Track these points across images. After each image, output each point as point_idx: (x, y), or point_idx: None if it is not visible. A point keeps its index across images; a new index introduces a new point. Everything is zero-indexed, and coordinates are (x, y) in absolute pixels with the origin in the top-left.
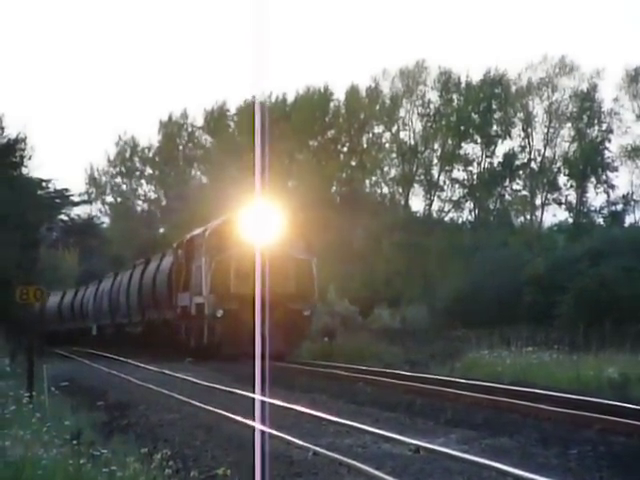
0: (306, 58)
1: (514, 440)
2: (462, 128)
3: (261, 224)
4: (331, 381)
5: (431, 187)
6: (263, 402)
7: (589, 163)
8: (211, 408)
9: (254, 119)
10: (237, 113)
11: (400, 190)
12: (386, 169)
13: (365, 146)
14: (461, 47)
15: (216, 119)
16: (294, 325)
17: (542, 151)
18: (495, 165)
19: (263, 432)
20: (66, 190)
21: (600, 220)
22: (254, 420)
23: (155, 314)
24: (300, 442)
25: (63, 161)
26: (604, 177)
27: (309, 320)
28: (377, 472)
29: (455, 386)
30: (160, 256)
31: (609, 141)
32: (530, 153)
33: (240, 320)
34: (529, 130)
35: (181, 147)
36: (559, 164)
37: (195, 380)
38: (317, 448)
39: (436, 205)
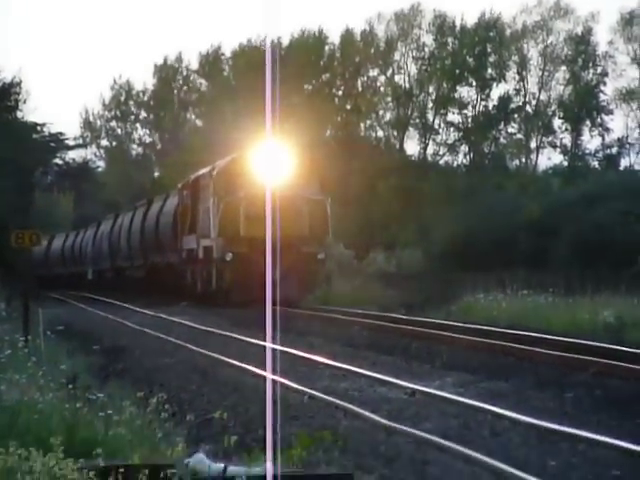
0: (300, 1)
1: (510, 383)
2: (457, 71)
3: (272, 163)
4: (327, 325)
5: (426, 130)
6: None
7: (584, 106)
8: (207, 352)
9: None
10: (232, 57)
11: (395, 134)
12: (381, 113)
13: (360, 90)
14: None
15: (211, 63)
16: (307, 269)
17: (537, 94)
18: (490, 108)
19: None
20: (61, 134)
21: (595, 163)
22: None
23: (158, 257)
24: (296, 386)
25: (58, 104)
26: (599, 120)
27: (323, 264)
28: (373, 415)
29: (451, 329)
30: (163, 197)
31: (604, 84)
32: (525, 96)
33: (250, 264)
34: (524, 73)
35: (176, 91)
36: (554, 107)
37: (193, 324)
38: (313, 392)
39: (431, 149)
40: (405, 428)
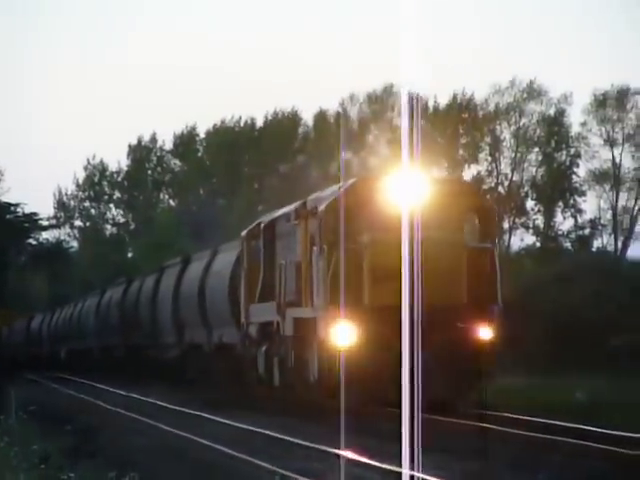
0: (274, 82)
1: (484, 464)
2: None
3: (410, 192)
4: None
5: None
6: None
7: (557, 187)
8: None
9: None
10: (206, 137)
11: None
12: None
13: (335, 172)
14: (428, 72)
15: (185, 143)
16: (467, 356)
17: (509, 175)
18: None
19: None
20: (34, 214)
21: (568, 244)
22: None
23: (201, 335)
24: None
25: (31, 185)
26: (572, 201)
27: (492, 346)
28: None
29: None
30: (209, 254)
31: (577, 165)
32: (497, 177)
33: (380, 348)
34: (496, 154)
35: (150, 171)
36: (527, 188)
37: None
38: None
39: None
40: None
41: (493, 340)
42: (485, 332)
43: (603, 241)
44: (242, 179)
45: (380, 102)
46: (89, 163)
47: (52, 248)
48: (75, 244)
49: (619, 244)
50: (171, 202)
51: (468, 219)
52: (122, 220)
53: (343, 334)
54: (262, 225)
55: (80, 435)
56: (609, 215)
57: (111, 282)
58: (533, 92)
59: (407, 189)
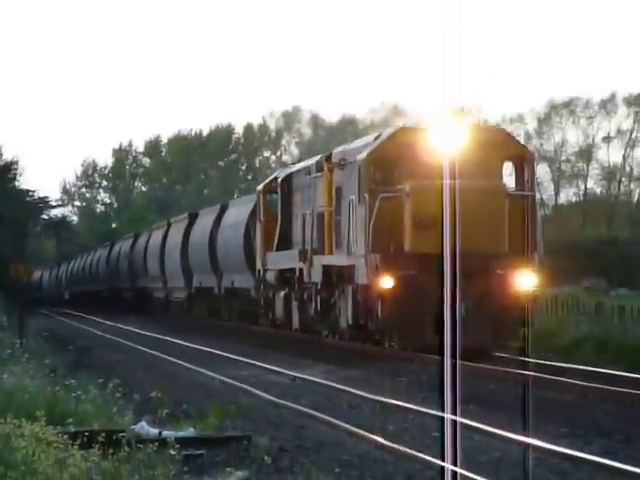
0: (213, 101)
1: (362, 371)
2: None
3: (451, 142)
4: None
5: None
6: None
7: None
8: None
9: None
10: (168, 142)
11: None
12: None
13: (258, 166)
14: (325, 94)
15: (153, 146)
16: (506, 303)
17: None
18: None
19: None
20: (46, 197)
21: None
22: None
23: (210, 280)
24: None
25: (44, 176)
26: None
27: (531, 294)
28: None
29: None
30: (216, 209)
31: None
32: None
33: (420, 295)
34: None
35: (128, 166)
36: None
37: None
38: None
39: None
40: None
41: (534, 288)
42: (526, 280)
43: None
44: (193, 172)
45: (290, 117)
46: (84, 161)
47: (59, 221)
48: (75, 218)
49: None
50: (143, 188)
51: (509, 168)
52: (108, 201)
53: (383, 281)
54: (279, 179)
55: (79, 353)
56: None
57: (109, 241)
58: (397, 111)
59: (446, 138)
